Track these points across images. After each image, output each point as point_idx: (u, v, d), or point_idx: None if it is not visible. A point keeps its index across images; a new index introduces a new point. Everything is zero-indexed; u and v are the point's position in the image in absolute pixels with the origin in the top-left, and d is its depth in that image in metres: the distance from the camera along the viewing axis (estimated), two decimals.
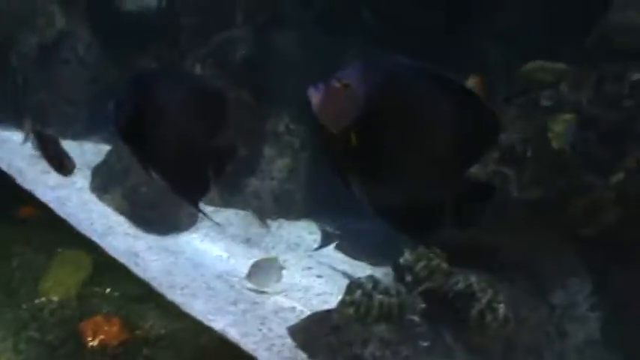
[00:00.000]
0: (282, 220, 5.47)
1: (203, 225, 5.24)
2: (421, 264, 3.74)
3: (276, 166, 5.49)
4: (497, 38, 5.47)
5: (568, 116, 4.06)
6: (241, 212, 5.46)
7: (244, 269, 4.52)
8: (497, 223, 4.10)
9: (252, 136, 5.47)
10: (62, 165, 3.82)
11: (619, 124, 3.94)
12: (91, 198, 5.32)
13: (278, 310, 4.25)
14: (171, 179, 2.18)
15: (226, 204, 5.46)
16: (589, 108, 4.00)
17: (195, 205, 2.25)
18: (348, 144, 1.69)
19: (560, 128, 4.00)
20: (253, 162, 5.48)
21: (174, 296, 3.98)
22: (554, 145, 4.00)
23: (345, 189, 1.80)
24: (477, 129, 1.72)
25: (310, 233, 5.36)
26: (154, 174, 2.17)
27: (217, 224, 4.81)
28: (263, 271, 4.40)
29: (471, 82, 4.55)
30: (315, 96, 1.71)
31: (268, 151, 5.49)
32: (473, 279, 3.71)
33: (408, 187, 1.74)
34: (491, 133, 1.77)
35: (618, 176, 3.94)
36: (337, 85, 1.68)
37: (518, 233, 4.07)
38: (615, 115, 3.96)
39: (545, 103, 4.23)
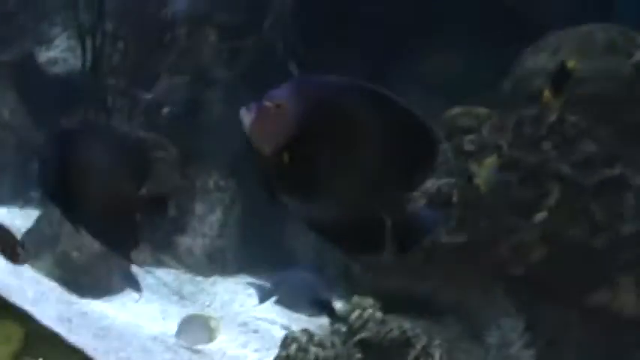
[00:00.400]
0: (216, 277, 5.45)
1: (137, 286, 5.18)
2: (355, 314, 3.77)
3: (208, 222, 5.48)
4: (421, 84, 5.61)
5: (490, 159, 4.16)
6: (174, 271, 5.43)
7: None
8: (427, 268, 4.17)
9: (182, 194, 5.46)
10: (14, 254, 3.68)
11: (538, 165, 4.06)
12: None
13: None
14: (100, 234, 2.16)
15: (159, 263, 5.43)
16: (510, 151, 4.11)
17: (128, 259, 2.23)
18: (281, 164, 1.67)
19: (484, 172, 4.10)
20: (184, 220, 5.47)
21: None
22: (479, 188, 4.10)
23: (279, 210, 1.82)
24: (415, 145, 1.71)
25: (245, 289, 5.35)
26: (83, 231, 2.15)
27: (139, 293, 4.73)
28: (192, 327, 4.37)
29: None
30: (246, 117, 1.70)
31: (199, 208, 5.48)
32: (407, 326, 3.75)
33: (343, 207, 1.72)
34: (431, 150, 1.74)
35: (541, 215, 4.05)
36: (269, 104, 1.68)
37: (449, 277, 4.14)
38: (535, 156, 4.08)
39: (468, 147, 4.34)
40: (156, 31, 5.76)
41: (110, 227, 2.15)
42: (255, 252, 5.45)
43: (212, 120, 5.59)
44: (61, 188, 2.14)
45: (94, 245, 4.85)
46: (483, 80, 5.43)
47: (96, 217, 2.15)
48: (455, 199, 4.14)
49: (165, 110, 5.68)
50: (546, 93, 3.62)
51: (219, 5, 5.76)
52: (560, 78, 3.61)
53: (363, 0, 5.38)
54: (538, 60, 4.48)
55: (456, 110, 4.63)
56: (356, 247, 1.81)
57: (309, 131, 1.66)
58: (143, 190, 2.19)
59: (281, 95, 1.68)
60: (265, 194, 1.75)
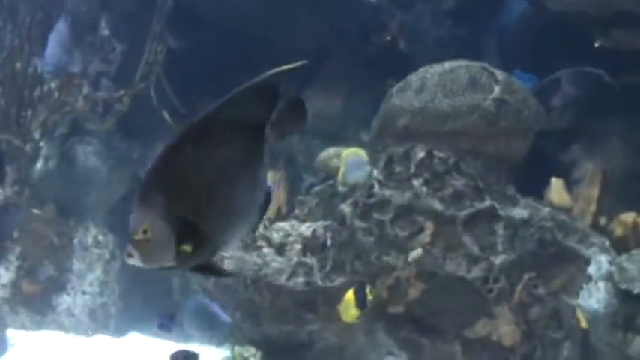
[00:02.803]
0: (100, 336, 5.29)
1: (16, 349, 5.00)
2: None
3: (88, 280, 5.33)
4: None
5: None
6: (56, 332, 5.26)
7: None
8: (307, 312, 4.15)
9: (59, 252, 5.31)
10: None
11: (409, 203, 4.10)
12: None
13: None
14: None
15: (38, 325, 5.24)
16: (381, 190, 4.15)
17: None
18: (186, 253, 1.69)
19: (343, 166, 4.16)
20: (63, 278, 5.31)
21: None
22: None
23: None
24: None
25: (130, 346, 5.21)
26: None
27: None
28: None
29: (272, 178, 4.64)
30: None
31: (78, 265, 5.33)
32: None
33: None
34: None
35: (417, 252, 4.09)
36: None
37: (330, 320, 4.12)
38: (406, 194, 4.12)
39: (341, 189, 4.36)
40: (27, 85, 5.63)
41: None
42: (139, 308, 5.33)
43: (87, 173, 5.46)
44: None
45: None
46: (358, 119, 5.51)
47: None
48: (329, 241, 4.14)
49: (39, 167, 5.52)
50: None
51: (91, 57, 5.69)
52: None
53: (234, 47, 5.39)
54: (404, 97, 4.56)
55: (329, 152, 4.67)
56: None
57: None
58: None
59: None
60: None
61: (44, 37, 5.62)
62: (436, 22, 5.91)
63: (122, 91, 5.49)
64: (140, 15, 5.61)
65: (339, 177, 4.23)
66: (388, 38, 5.78)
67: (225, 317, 4.23)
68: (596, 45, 4.90)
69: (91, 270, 5.34)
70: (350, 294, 3.77)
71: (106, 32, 5.78)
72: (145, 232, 1.64)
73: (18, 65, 5.51)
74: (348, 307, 3.76)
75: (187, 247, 1.66)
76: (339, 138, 5.44)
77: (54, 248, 5.36)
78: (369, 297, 3.76)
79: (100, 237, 5.42)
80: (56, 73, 5.15)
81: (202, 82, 5.46)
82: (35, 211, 5.45)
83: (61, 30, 4.76)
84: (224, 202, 1.70)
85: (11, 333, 5.12)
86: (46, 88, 5.65)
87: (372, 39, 5.79)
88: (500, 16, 6.09)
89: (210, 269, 1.79)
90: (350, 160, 4.01)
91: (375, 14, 5.84)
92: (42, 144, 5.57)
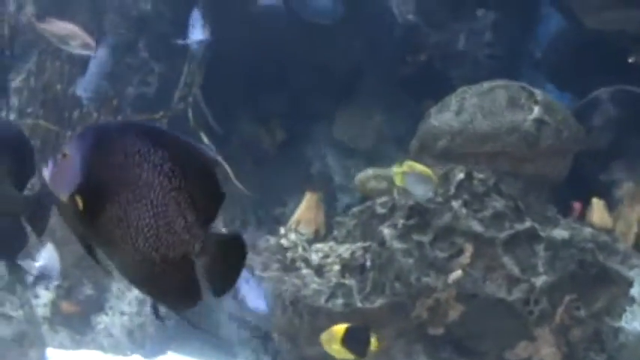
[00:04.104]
0: (137, 356, 5.31)
1: None
2: None
3: (126, 300, 5.36)
4: (331, 146, 5.66)
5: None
6: (95, 352, 5.29)
7: None
8: None
9: (98, 273, 5.35)
10: None
11: (449, 224, 4.08)
12: None
13: None
14: None
15: (77, 345, 5.28)
16: (416, 209, 4.13)
17: (12, 261, 2.17)
18: (78, 211, 1.72)
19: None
20: (102, 299, 5.35)
21: None
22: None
23: (92, 259, 1.81)
24: (197, 178, 1.75)
25: None
26: None
27: None
28: None
29: (310, 198, 4.66)
30: (45, 171, 1.76)
31: (116, 285, 5.37)
32: None
33: (143, 251, 1.74)
34: (214, 181, 1.78)
35: (456, 274, 4.06)
36: (58, 156, 1.75)
37: None
38: (445, 215, 4.11)
39: (380, 210, 4.35)
40: (65, 108, 5.70)
41: None
42: (176, 328, 5.35)
43: None
44: None
45: None
46: (394, 139, 5.52)
47: None
48: (369, 263, 4.13)
49: None
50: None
51: (128, 80, 5.75)
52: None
53: (270, 67, 5.42)
54: (443, 118, 4.55)
55: (367, 173, 4.67)
56: (168, 294, 1.81)
57: (93, 175, 1.73)
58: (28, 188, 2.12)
59: (68, 146, 1.76)
60: (82, 247, 1.78)
61: (83, 58, 5.70)
62: (471, 41, 5.91)
63: (160, 113, 5.54)
64: (178, 37, 5.66)
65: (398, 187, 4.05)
66: (423, 58, 5.79)
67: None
68: (630, 60, 4.87)
69: (129, 290, 5.37)
70: (339, 329, 3.57)
71: (144, 54, 5.84)
72: (64, 155, 1.72)
73: (58, 87, 5.58)
74: (331, 340, 3.57)
75: (80, 200, 1.71)
76: (375, 158, 5.45)
77: (93, 269, 5.40)
78: (373, 345, 3.58)
79: None
80: (95, 99, 5.18)
81: (239, 103, 5.51)
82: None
83: (100, 56, 4.81)
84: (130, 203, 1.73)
85: (50, 352, 5.15)
86: (85, 109, 5.72)
87: (408, 59, 5.80)
88: (537, 34, 6.08)
89: (92, 253, 1.80)
90: (411, 175, 3.92)
91: (410, 34, 5.86)
92: None
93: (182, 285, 1.78)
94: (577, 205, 4.52)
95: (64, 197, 1.72)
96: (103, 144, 1.73)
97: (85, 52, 4.70)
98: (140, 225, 1.72)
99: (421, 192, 3.93)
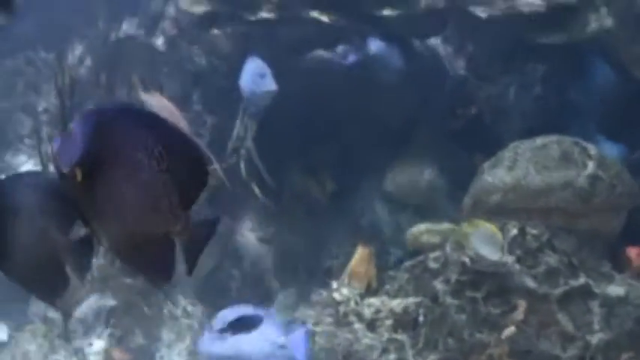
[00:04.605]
0: None
1: None
2: None
3: (177, 350, 5.40)
4: (381, 198, 5.67)
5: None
6: None
7: None
8: None
9: (149, 322, 5.41)
10: None
11: (502, 280, 4.07)
12: None
13: None
14: (24, 280, 2.16)
15: None
16: (473, 267, 4.13)
17: (53, 304, 2.23)
18: (77, 183, 1.83)
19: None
20: (153, 348, 5.40)
21: None
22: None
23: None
24: (187, 163, 1.90)
25: None
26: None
27: None
28: None
29: (362, 252, 4.67)
30: (50, 148, 1.97)
31: (167, 335, 5.42)
32: None
33: (132, 227, 1.88)
34: (200, 168, 1.93)
35: (510, 330, 4.04)
36: (64, 132, 1.88)
37: None
38: (499, 272, 4.10)
39: (432, 265, 4.35)
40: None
41: (33, 272, 2.14)
42: None
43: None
44: None
45: None
46: (445, 192, 5.52)
47: (24, 265, 2.13)
48: (422, 318, 4.13)
49: None
50: None
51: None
52: None
53: (322, 119, 5.49)
54: (496, 174, 4.56)
55: (420, 227, 4.68)
56: (147, 268, 1.97)
57: (93, 150, 1.84)
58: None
59: (74, 124, 1.88)
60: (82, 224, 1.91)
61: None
62: (522, 94, 5.91)
63: (212, 166, 5.62)
64: (230, 90, 5.76)
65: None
66: (474, 111, 5.81)
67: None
68: None
69: (180, 340, 5.42)
70: None
71: (198, 107, 5.96)
72: (69, 132, 1.85)
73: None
74: None
75: (79, 172, 1.83)
76: (425, 211, 5.45)
77: (144, 318, 5.46)
78: None
79: (190, 308, 5.51)
80: None
81: (291, 156, 5.57)
82: (127, 280, 5.58)
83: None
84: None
85: None
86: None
87: (458, 111, 5.83)
88: (586, 86, 6.07)
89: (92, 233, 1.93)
90: (479, 234, 3.91)
91: (461, 87, 5.89)
92: None
93: (161, 260, 1.94)
94: (633, 252, 4.45)
95: (65, 169, 1.83)
96: (104, 124, 1.85)
97: None
98: (129, 201, 1.86)
99: (488, 252, 3.94)
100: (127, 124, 1.86)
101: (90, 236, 2.09)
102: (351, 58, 5.50)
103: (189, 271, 1.97)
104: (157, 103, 4.40)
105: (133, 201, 1.87)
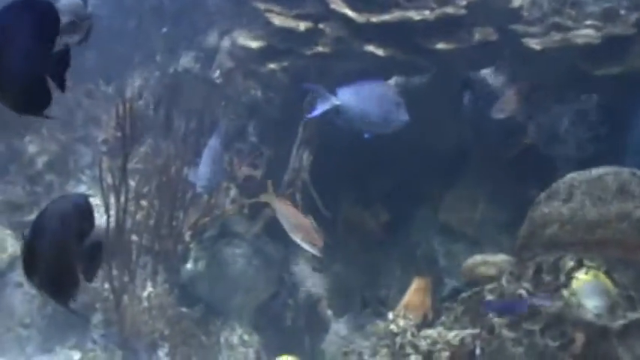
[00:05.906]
0: None
1: None
2: None
3: None
4: (436, 229, 5.69)
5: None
6: None
7: None
8: None
9: (206, 351, 5.49)
10: None
11: (560, 313, 4.06)
12: None
13: None
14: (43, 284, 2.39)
15: None
16: (530, 299, 4.12)
17: (66, 305, 2.40)
18: None
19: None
20: None
21: None
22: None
23: None
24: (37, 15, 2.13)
25: None
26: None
27: None
28: None
29: (419, 283, 4.70)
30: None
31: None
32: None
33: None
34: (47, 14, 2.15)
35: None
36: None
37: None
38: (556, 304, 4.08)
39: (488, 297, 4.36)
40: (179, 190, 5.93)
41: (50, 275, 2.38)
42: None
43: (233, 274, 5.66)
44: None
45: None
46: (498, 223, 5.52)
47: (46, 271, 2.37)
48: (478, 350, 4.13)
49: (189, 265, 5.77)
50: None
51: (240, 163, 5.95)
52: None
53: (376, 150, 5.53)
54: (552, 206, 4.55)
55: (476, 259, 4.69)
56: (25, 104, 2.18)
57: None
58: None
59: None
60: None
61: (196, 143, 5.96)
62: (575, 123, 5.90)
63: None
64: (286, 122, 5.85)
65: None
66: (527, 141, 5.81)
67: None
68: None
69: None
70: None
71: (253, 139, 6.06)
72: None
73: (172, 170, 5.83)
74: None
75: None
76: (479, 242, 5.46)
77: (202, 346, 5.55)
78: None
79: (246, 337, 5.57)
80: (208, 188, 5.32)
81: (346, 186, 5.62)
82: (184, 309, 5.68)
83: (213, 146, 4.98)
84: None
85: None
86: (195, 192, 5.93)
87: (511, 141, 5.83)
88: None
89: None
90: (590, 285, 3.91)
91: (514, 116, 5.90)
92: (192, 245, 5.83)
93: (35, 97, 2.18)
94: None
95: None
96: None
97: None
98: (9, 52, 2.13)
99: (595, 304, 3.93)
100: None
101: (99, 244, 2.43)
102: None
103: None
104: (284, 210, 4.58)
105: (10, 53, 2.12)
